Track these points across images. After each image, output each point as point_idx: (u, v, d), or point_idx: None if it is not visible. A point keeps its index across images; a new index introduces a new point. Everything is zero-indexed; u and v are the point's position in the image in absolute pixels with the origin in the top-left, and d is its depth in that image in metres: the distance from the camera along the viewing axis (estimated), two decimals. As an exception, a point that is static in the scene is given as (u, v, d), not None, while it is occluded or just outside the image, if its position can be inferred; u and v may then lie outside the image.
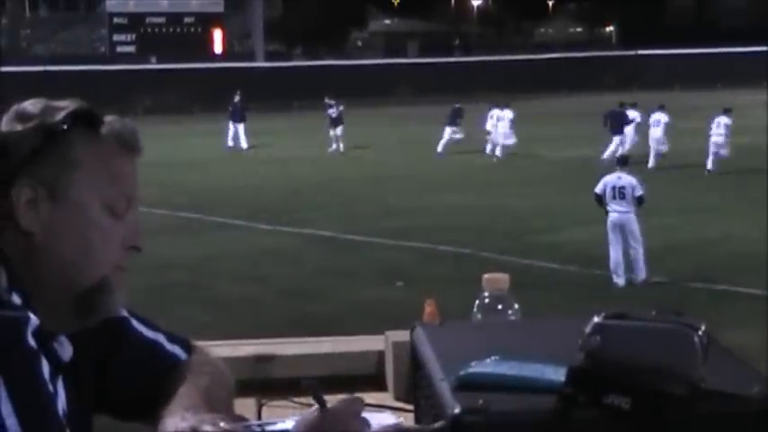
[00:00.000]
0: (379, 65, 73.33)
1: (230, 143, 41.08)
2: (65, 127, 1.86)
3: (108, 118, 1.92)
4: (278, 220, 23.12)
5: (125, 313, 2.01)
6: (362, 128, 48.21)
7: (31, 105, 1.89)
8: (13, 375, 1.64)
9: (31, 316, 1.71)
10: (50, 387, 1.74)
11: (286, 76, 65.80)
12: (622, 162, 18.28)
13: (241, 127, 41.26)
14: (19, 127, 1.85)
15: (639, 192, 17.45)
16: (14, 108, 1.89)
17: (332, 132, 39.92)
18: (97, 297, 1.85)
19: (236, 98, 42.63)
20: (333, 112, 40.40)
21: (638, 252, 17.19)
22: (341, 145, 39.21)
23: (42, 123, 1.85)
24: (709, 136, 30.58)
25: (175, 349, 2.09)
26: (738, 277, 16.25)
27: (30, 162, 1.83)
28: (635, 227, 17.33)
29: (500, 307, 2.53)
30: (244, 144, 40.79)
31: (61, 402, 1.78)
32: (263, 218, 23.50)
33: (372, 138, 42.51)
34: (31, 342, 1.70)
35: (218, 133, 45.58)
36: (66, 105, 1.89)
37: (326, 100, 41.35)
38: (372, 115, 55.15)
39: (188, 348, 2.12)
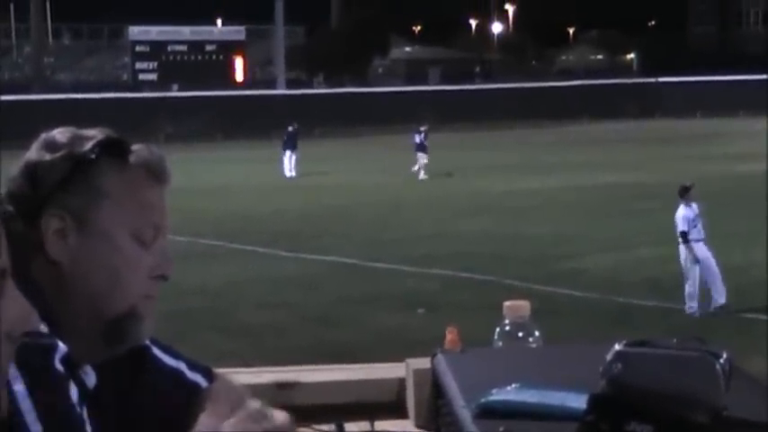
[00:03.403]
0: (400, 92, 73.42)
1: (287, 173, 41.17)
2: (93, 156, 1.86)
3: (136, 147, 1.92)
4: (301, 247, 23.13)
5: (147, 341, 2.01)
6: (383, 155, 48.31)
7: (59, 134, 1.89)
8: (43, 399, 1.64)
9: (59, 343, 1.72)
10: (79, 410, 1.75)
11: (307, 103, 65.99)
12: (680, 193, 17.89)
13: (291, 155, 41.32)
14: (48, 156, 1.86)
15: (679, 227, 17.40)
16: (43, 137, 1.89)
17: (420, 160, 39.67)
18: (126, 326, 1.85)
19: (291, 128, 42.67)
20: (420, 137, 40.24)
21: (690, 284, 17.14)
22: (421, 172, 39.09)
23: (71, 153, 1.85)
24: None
25: (196, 377, 2.08)
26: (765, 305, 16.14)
27: (58, 191, 1.83)
28: (681, 258, 17.33)
29: (521, 334, 2.53)
30: (289, 173, 40.93)
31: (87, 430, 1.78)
32: (285, 244, 23.51)
33: (394, 164, 42.54)
34: (60, 368, 1.70)
35: (240, 160, 45.73)
36: (95, 135, 1.89)
37: (421, 127, 41.12)
38: (394, 142, 55.21)
39: (209, 376, 2.11)
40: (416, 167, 39.12)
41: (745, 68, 71.34)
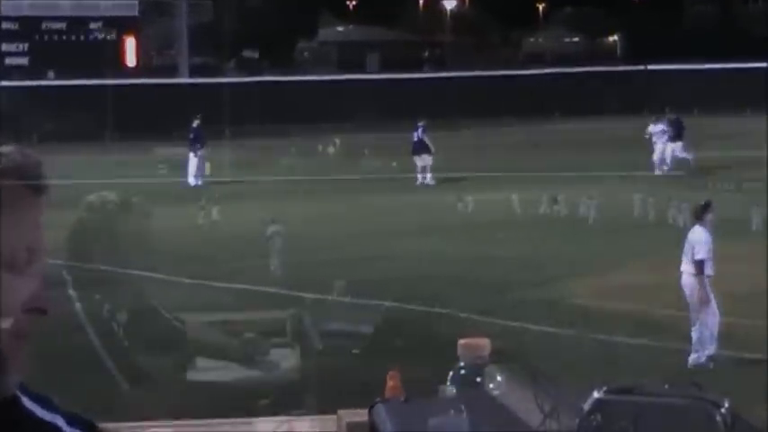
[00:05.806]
0: (331, 82, 73.43)
1: (192, 180, 40.86)
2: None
3: (5, 149, 1.89)
4: (210, 273, 23.06)
5: (16, 390, 1.99)
6: (311, 158, 48.24)
7: None
8: None
9: None
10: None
11: (217, 94, 65.78)
12: (696, 214, 17.54)
13: (199, 158, 41.04)
14: None
15: (700, 254, 16.82)
16: None
17: (418, 162, 39.71)
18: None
19: (197, 122, 42.49)
20: (419, 134, 40.26)
21: (699, 327, 16.77)
22: (428, 177, 39.17)
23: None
24: None
25: (75, 433, 2.07)
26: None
27: None
28: (693, 293, 16.89)
29: (479, 379, 2.54)
30: (194, 181, 40.67)
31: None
32: (187, 270, 23.42)
33: (323, 169, 42.50)
34: None
35: (132, 164, 45.51)
36: (-43, 136, 1.87)
37: (419, 123, 41.22)
38: (323, 143, 55.18)
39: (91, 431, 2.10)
40: (420, 170, 39.32)
41: (752, 55, 71.87)
